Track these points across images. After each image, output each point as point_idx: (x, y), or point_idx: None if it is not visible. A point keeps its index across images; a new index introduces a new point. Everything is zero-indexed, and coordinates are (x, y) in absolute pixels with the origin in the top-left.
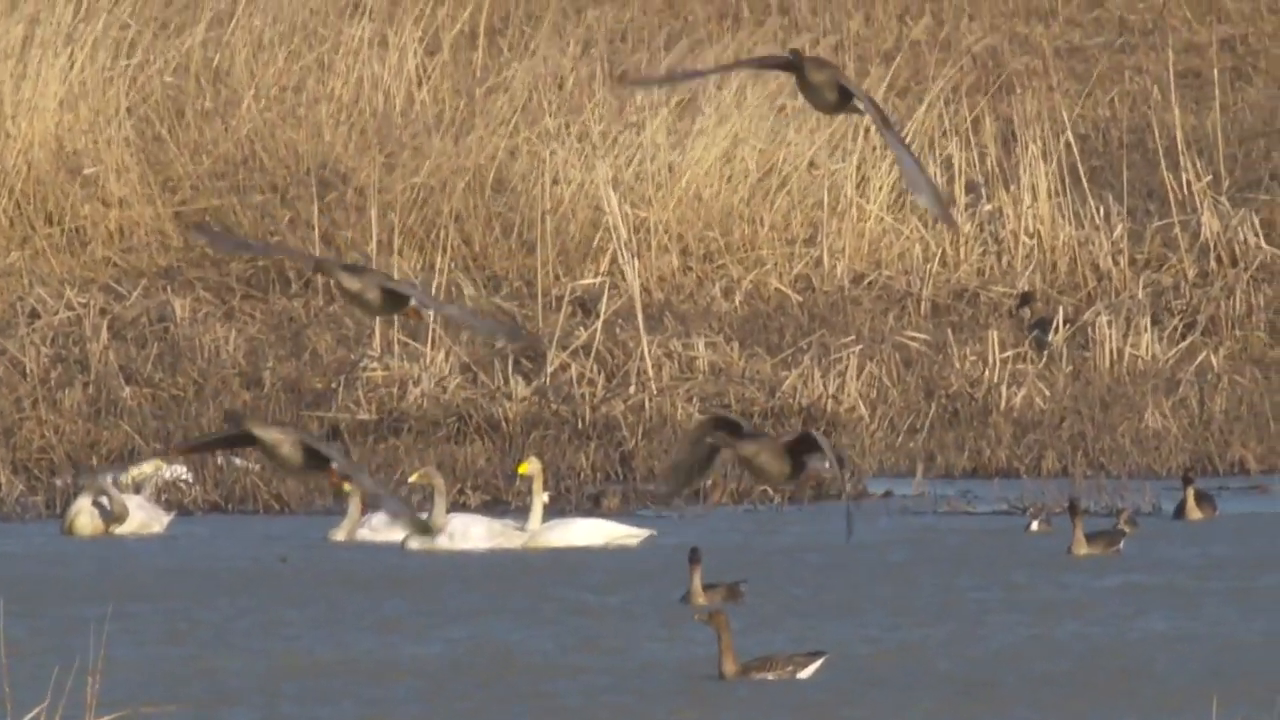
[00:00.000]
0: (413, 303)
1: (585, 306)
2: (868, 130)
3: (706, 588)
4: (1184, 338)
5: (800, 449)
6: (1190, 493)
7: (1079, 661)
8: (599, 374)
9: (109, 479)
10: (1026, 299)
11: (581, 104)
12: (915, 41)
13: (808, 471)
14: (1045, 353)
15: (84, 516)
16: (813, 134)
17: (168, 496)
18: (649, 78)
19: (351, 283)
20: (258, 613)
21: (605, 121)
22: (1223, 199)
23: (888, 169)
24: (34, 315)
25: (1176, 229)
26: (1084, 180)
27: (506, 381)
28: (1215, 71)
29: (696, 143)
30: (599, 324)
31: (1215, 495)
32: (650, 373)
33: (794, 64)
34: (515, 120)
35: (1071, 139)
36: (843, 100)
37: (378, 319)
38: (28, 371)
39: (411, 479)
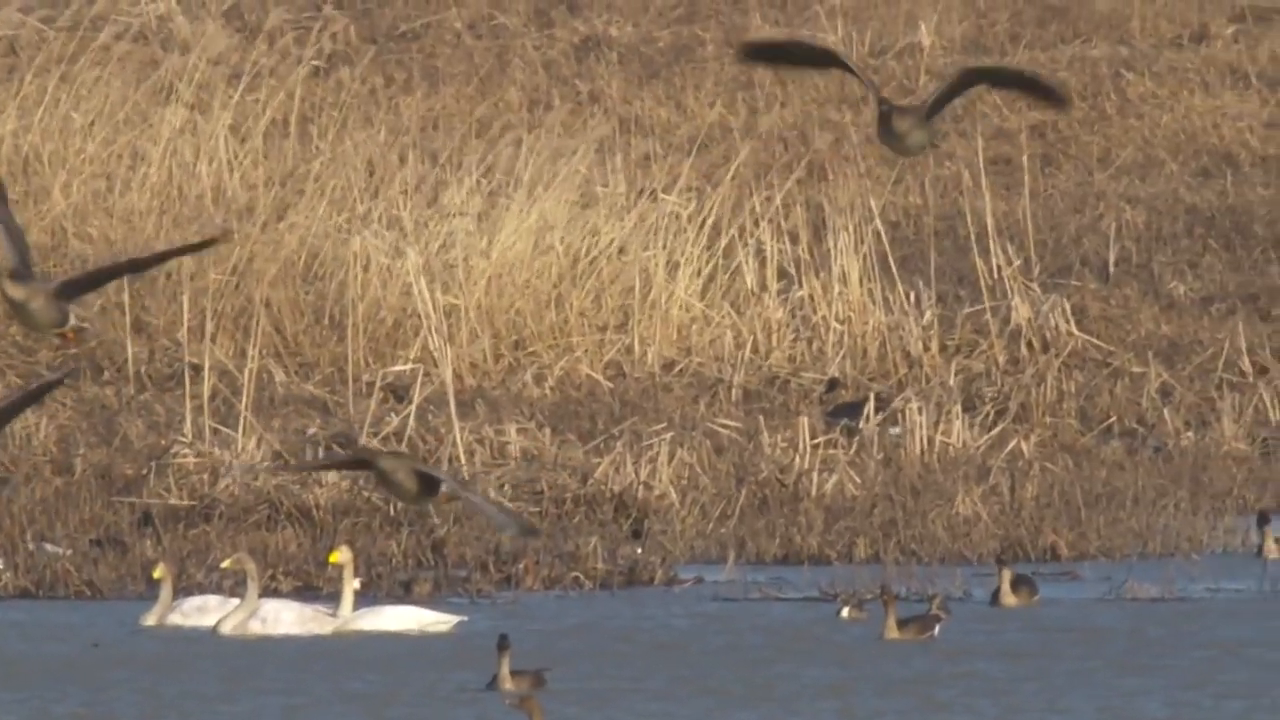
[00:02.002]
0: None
1: (397, 393)
2: (678, 218)
3: (514, 674)
4: (995, 424)
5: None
6: (1005, 578)
7: None
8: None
9: None
10: (833, 385)
11: (392, 191)
12: (727, 128)
13: (440, 494)
14: (855, 439)
15: None
16: (621, 221)
17: None
18: (765, 39)
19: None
20: (71, 699)
21: (415, 208)
22: (1033, 285)
23: (698, 255)
24: None
25: (987, 315)
26: (894, 266)
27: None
28: (1025, 158)
29: (506, 229)
30: (411, 410)
31: (1035, 580)
32: (462, 459)
33: (883, 110)
34: (326, 207)
35: (881, 226)
36: (933, 133)
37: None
38: None
39: (224, 565)
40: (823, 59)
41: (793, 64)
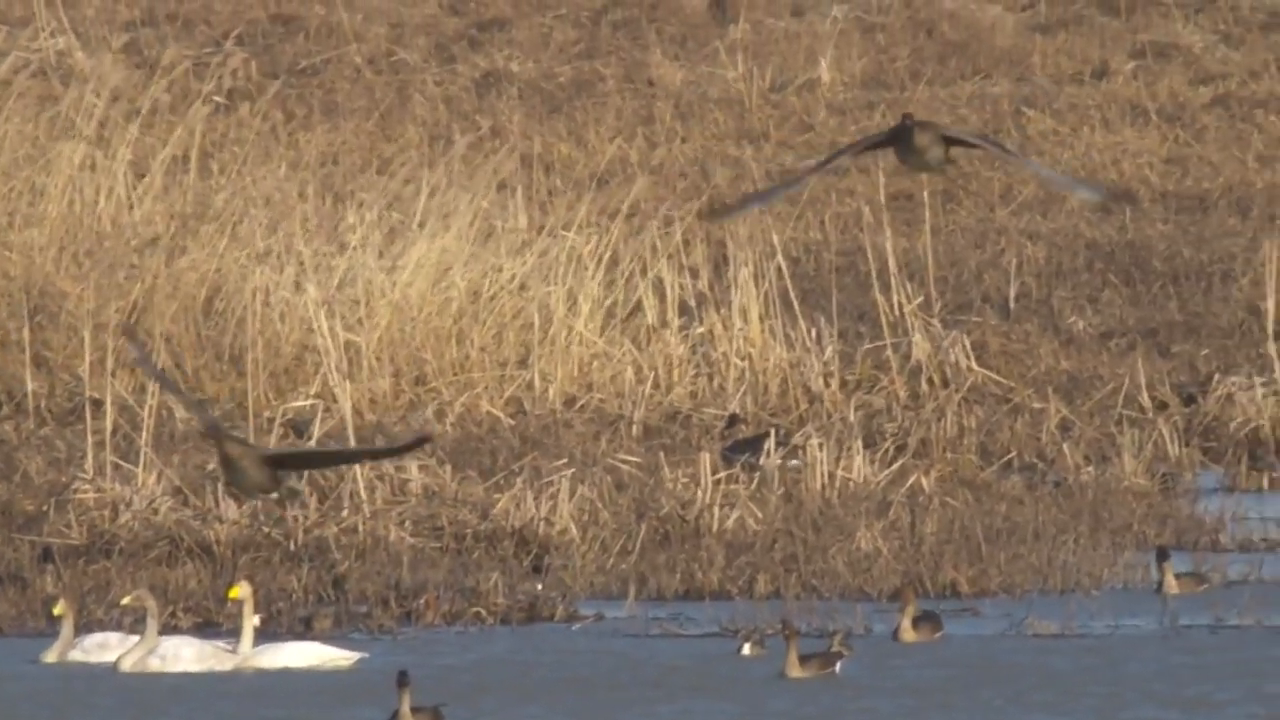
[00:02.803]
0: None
1: (297, 428)
2: (579, 253)
3: (414, 710)
4: (895, 460)
5: (281, 464)
6: (908, 613)
7: None
8: (312, 496)
9: None
10: (734, 420)
11: (292, 227)
12: (628, 163)
13: (284, 488)
14: (756, 475)
15: None
16: (522, 257)
17: None
18: (738, 204)
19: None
20: None
21: (316, 244)
22: (934, 321)
23: (599, 291)
24: None
25: (888, 351)
26: (796, 302)
27: (218, 504)
28: (926, 194)
29: (407, 265)
30: (311, 446)
31: (940, 615)
32: (363, 495)
33: (902, 131)
34: (226, 243)
35: (783, 261)
36: (948, 152)
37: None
38: None
39: (124, 602)
40: (799, 183)
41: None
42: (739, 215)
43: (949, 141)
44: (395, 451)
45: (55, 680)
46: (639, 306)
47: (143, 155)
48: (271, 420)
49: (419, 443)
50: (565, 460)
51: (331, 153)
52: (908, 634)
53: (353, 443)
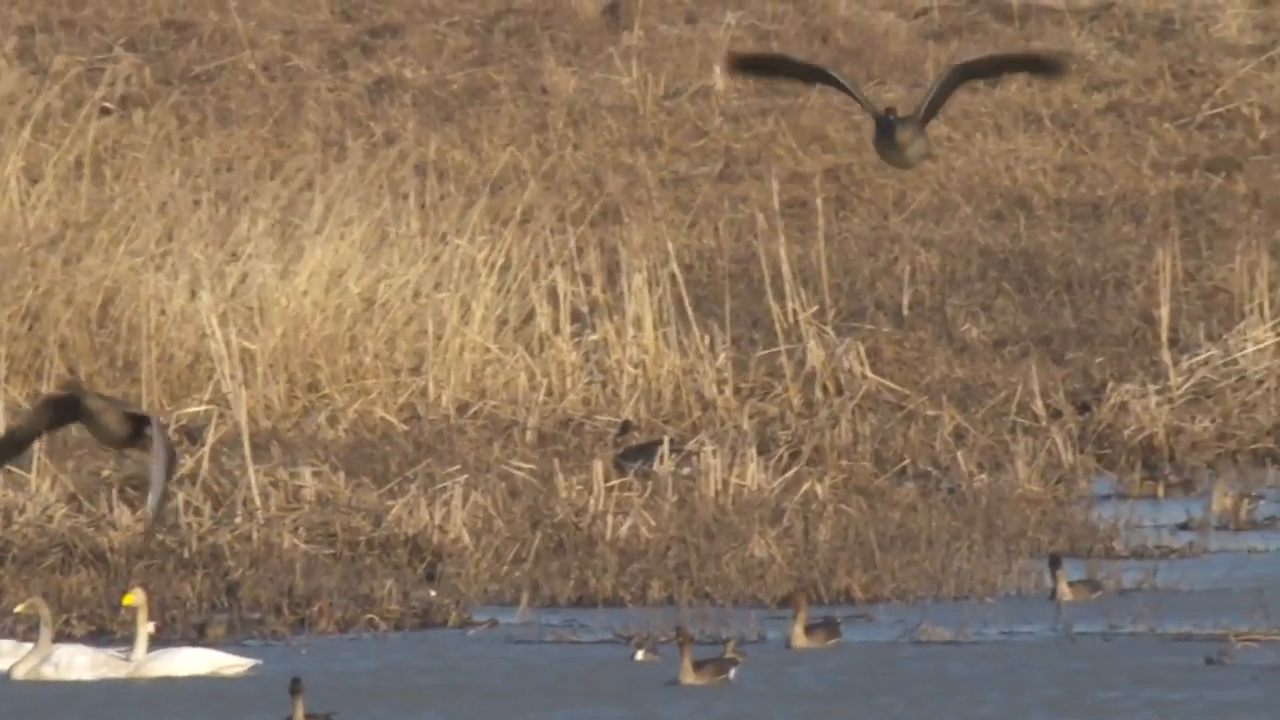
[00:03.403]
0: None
1: (191, 435)
2: (472, 260)
3: (308, 717)
4: (789, 467)
5: (140, 422)
6: (799, 619)
7: None
8: (205, 503)
9: None
10: (627, 428)
11: (187, 233)
12: (521, 170)
13: (144, 439)
14: (649, 482)
15: None
16: (416, 263)
17: None
18: (758, 55)
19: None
20: None
21: (210, 250)
22: (828, 328)
23: (492, 298)
24: None
25: (782, 358)
26: (689, 309)
27: (111, 510)
28: (819, 201)
29: (301, 271)
30: (205, 453)
31: (838, 622)
32: (257, 502)
33: (885, 126)
34: (121, 249)
35: (676, 268)
36: (929, 143)
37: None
38: None
39: (17, 610)
40: (814, 75)
41: (782, 77)
42: (760, 68)
43: (928, 119)
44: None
45: None
46: (532, 313)
47: (35, 161)
48: (165, 426)
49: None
50: (459, 467)
51: (226, 159)
52: (799, 640)
53: (248, 451)
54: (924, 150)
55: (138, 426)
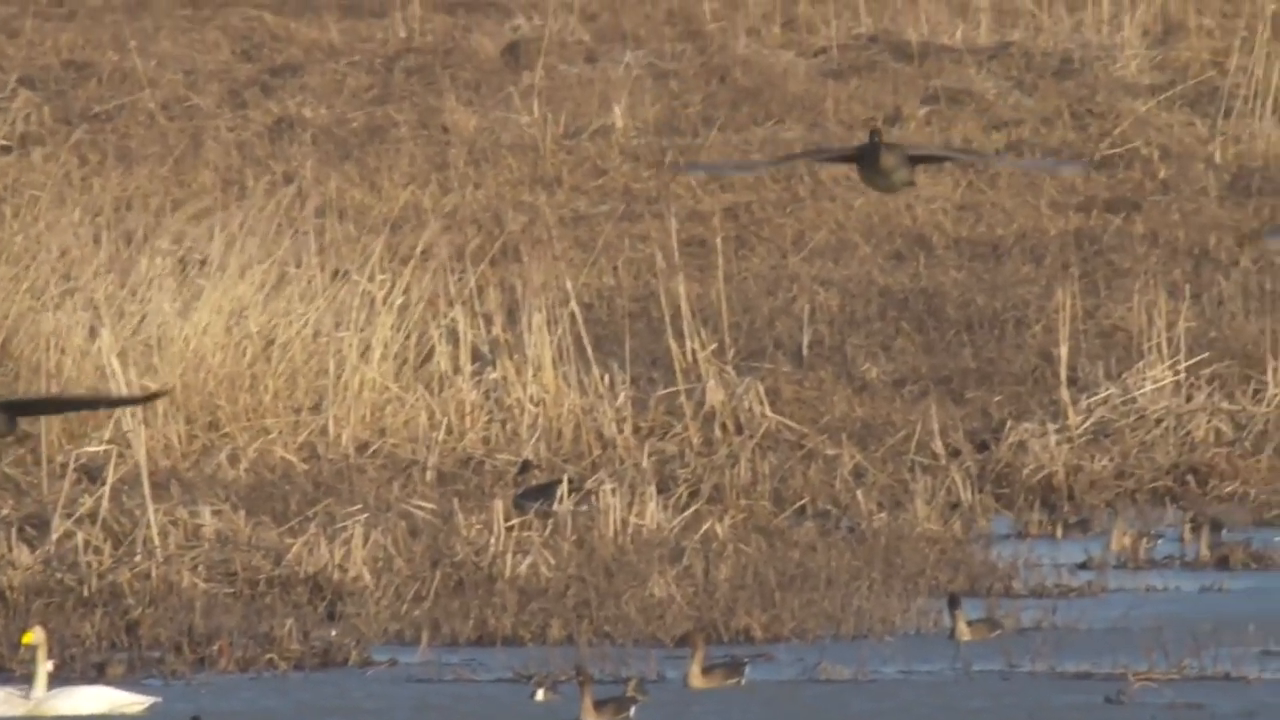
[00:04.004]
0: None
1: (91, 474)
2: (372, 299)
3: None
4: (689, 506)
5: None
6: (697, 659)
7: None
8: (105, 542)
9: None
10: (526, 467)
11: (86, 272)
12: (421, 209)
13: (19, 431)
14: (549, 521)
15: None
16: (315, 302)
17: None
18: (707, 164)
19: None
20: None
21: (110, 289)
22: (727, 367)
23: (392, 337)
24: None
25: (682, 397)
26: (589, 348)
27: (10, 549)
28: (719, 240)
29: (200, 310)
30: (105, 491)
31: (745, 661)
32: (156, 540)
33: (869, 151)
34: (22, 288)
35: (576, 307)
36: (912, 171)
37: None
38: None
39: None
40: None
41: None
42: (701, 171)
43: (916, 160)
44: (131, 401)
45: None
46: (432, 352)
47: None
48: (65, 465)
49: (154, 396)
50: (359, 506)
51: (126, 198)
52: (697, 680)
53: (147, 490)
54: (907, 178)
55: (11, 416)
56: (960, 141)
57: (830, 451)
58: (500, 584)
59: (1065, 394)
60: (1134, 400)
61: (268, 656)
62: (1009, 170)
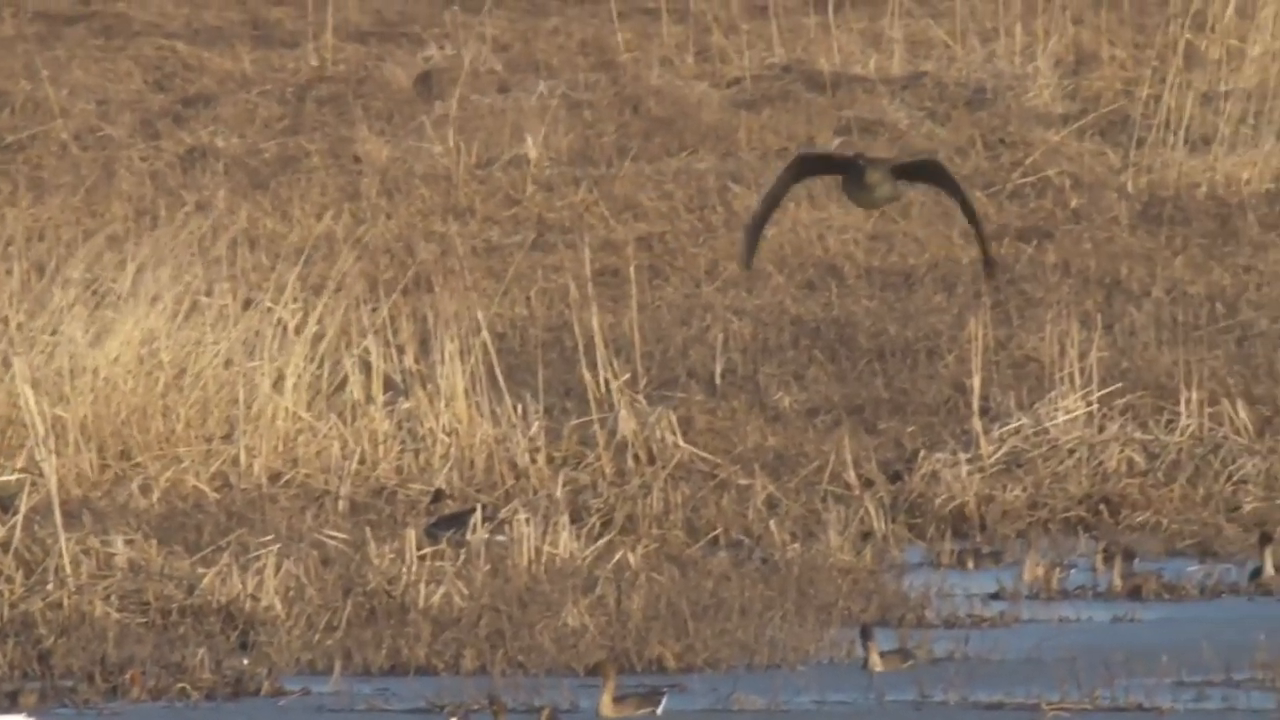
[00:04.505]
0: None
1: (2, 503)
2: (284, 329)
3: None
4: (602, 536)
5: None
6: (608, 689)
7: None
8: (17, 571)
9: None
10: (439, 496)
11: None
12: (334, 239)
13: None
14: (462, 551)
15: None
16: (228, 331)
17: None
18: (748, 243)
19: None
20: None
21: (21, 319)
22: (640, 398)
23: (305, 367)
24: None
25: (595, 427)
26: (502, 378)
27: None
28: (632, 269)
29: (113, 339)
30: (17, 521)
31: (663, 691)
32: (68, 569)
33: (854, 166)
34: None
35: (488, 338)
36: (896, 186)
37: None
38: None
39: None
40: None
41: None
42: (754, 247)
43: (900, 174)
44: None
45: None
46: (345, 382)
47: None
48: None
49: None
50: (272, 535)
51: (38, 228)
52: (607, 710)
53: (59, 520)
54: (890, 194)
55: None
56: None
57: (743, 481)
58: (413, 613)
59: (978, 424)
60: (1046, 430)
61: (180, 686)
62: (921, 199)
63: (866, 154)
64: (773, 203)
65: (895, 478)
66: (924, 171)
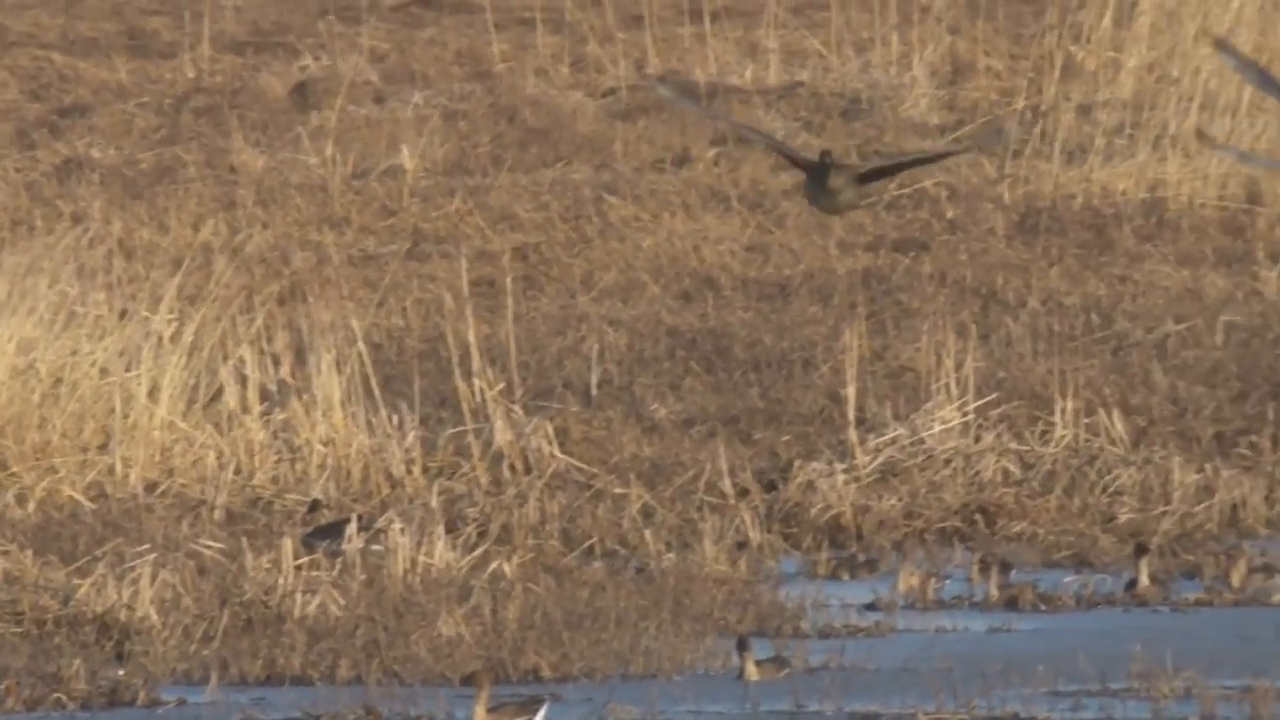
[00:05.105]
0: None
1: None
2: (160, 339)
3: None
4: (477, 545)
5: None
6: (482, 699)
7: None
8: None
9: None
10: (315, 506)
11: None
12: (209, 248)
13: None
14: (338, 560)
15: None
16: (104, 341)
17: None
18: (679, 95)
19: None
20: None
21: None
22: (516, 408)
23: (181, 376)
24: None
25: (470, 437)
26: (377, 389)
27: None
28: (508, 280)
29: None
30: None
31: (544, 699)
32: None
33: (819, 169)
34: None
35: (364, 348)
36: (861, 192)
37: None
38: None
39: None
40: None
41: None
42: (679, 103)
43: (866, 179)
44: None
45: None
46: (221, 391)
47: None
48: None
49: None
50: (148, 545)
51: None
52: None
53: None
54: (853, 199)
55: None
56: (747, 182)
57: (619, 491)
58: (289, 623)
59: (853, 434)
60: (922, 441)
61: (55, 696)
62: (796, 210)
63: (833, 154)
64: (767, 139)
65: (771, 487)
66: (889, 168)
